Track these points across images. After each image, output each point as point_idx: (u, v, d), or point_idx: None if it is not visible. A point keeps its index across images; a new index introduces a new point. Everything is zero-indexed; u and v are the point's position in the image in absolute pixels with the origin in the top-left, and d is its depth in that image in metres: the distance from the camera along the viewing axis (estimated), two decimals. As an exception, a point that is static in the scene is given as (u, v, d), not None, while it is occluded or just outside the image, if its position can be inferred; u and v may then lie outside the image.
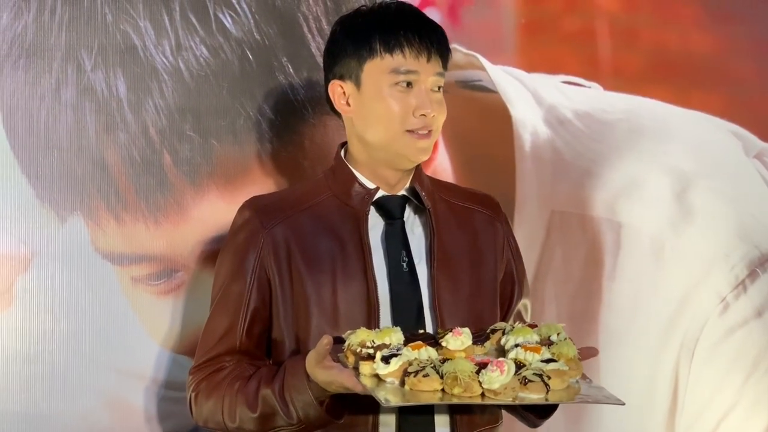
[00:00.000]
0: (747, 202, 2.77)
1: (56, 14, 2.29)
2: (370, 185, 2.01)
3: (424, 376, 1.76)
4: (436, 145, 2.50)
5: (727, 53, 2.81)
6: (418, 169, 2.05)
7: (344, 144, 2.08)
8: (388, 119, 1.96)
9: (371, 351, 1.81)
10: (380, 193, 2.02)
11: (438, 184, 2.11)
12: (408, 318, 1.96)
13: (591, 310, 2.63)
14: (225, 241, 2.07)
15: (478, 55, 2.58)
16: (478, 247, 2.05)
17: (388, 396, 1.75)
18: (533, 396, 1.78)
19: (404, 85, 1.96)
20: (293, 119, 2.42)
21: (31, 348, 2.27)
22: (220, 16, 2.37)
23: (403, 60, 1.96)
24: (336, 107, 2.02)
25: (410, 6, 2.04)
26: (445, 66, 2.01)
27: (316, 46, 2.44)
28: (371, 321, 1.94)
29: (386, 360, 1.79)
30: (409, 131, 1.96)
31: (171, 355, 2.34)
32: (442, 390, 1.77)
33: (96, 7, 2.31)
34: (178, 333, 2.35)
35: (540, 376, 1.79)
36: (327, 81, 2.03)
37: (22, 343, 2.27)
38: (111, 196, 2.31)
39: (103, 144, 2.31)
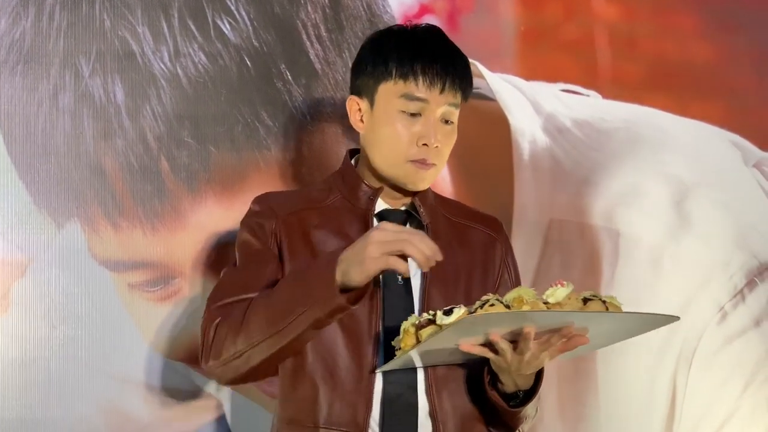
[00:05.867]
0: (746, 212, 2.77)
1: (54, 20, 2.29)
2: (376, 184, 2.03)
3: (490, 305, 1.80)
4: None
5: (726, 62, 2.81)
6: None
7: (353, 151, 2.09)
8: (392, 144, 1.98)
9: (430, 317, 1.84)
10: (383, 206, 2.03)
11: (442, 201, 2.11)
12: (399, 327, 1.94)
13: (589, 318, 2.62)
14: (240, 226, 2.04)
15: (477, 63, 2.58)
16: (475, 265, 2.05)
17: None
18: (596, 310, 1.83)
19: (412, 113, 1.96)
20: (291, 126, 2.42)
21: (28, 354, 2.27)
22: (219, 22, 2.37)
23: (415, 87, 1.96)
24: (351, 122, 2.04)
25: (438, 32, 2.03)
26: (465, 97, 2.01)
27: (315, 53, 2.44)
28: (372, 312, 1.94)
29: (448, 312, 1.82)
30: (411, 162, 1.97)
31: (167, 361, 2.34)
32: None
33: (94, 13, 2.31)
34: (175, 339, 2.35)
35: (596, 297, 1.85)
36: (350, 94, 2.05)
37: (19, 349, 2.27)
38: (108, 203, 2.31)
39: (101, 150, 2.31)
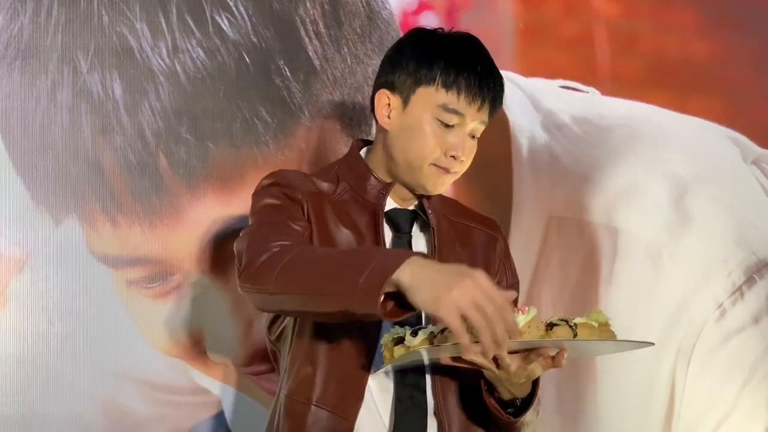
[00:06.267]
0: (745, 209, 2.77)
1: (52, 15, 2.28)
2: (386, 179, 2.02)
3: (449, 332, 1.75)
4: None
5: (725, 60, 2.81)
6: None
7: (361, 141, 2.08)
8: (420, 149, 1.96)
9: (402, 334, 1.83)
10: (392, 205, 2.03)
11: (443, 201, 2.11)
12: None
13: (587, 315, 2.62)
14: (255, 199, 1.98)
15: (476, 60, 2.58)
16: (477, 265, 2.02)
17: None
18: (561, 337, 1.78)
19: (447, 123, 1.95)
20: (290, 122, 2.41)
21: (26, 350, 2.27)
22: (217, 18, 2.36)
23: (455, 100, 1.95)
24: (376, 115, 2.01)
25: (484, 49, 2.02)
26: (492, 117, 2.00)
27: (313, 50, 2.43)
28: None
29: (415, 333, 1.82)
30: (434, 165, 1.96)
31: (166, 358, 2.33)
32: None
33: (92, 8, 2.31)
34: (173, 336, 2.34)
35: (566, 321, 1.80)
36: (378, 85, 2.01)
37: (16, 346, 2.26)
38: (106, 199, 2.31)
39: (99, 146, 2.31)
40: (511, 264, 2.13)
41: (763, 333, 2.72)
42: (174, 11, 2.34)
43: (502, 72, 2.59)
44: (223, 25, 2.37)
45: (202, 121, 2.36)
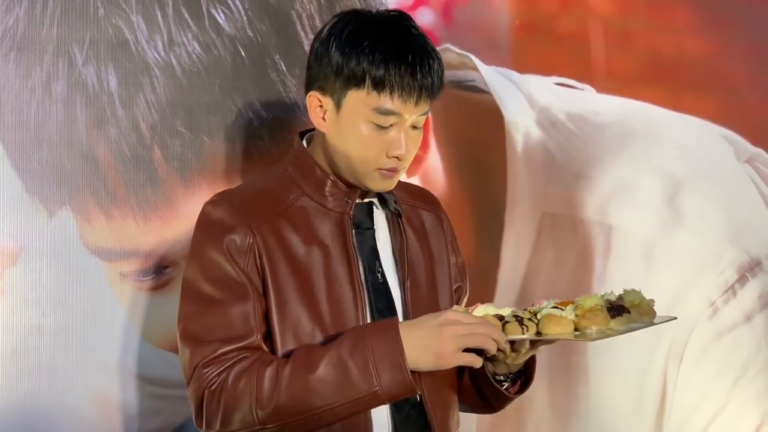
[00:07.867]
0: (738, 207, 2.77)
1: (48, 7, 2.28)
2: (341, 181, 1.93)
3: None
4: (427, 145, 2.51)
5: (720, 58, 2.81)
6: None
7: (304, 133, 2.00)
8: (361, 154, 1.87)
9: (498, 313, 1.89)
10: None
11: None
12: None
13: (580, 312, 2.62)
14: (200, 237, 1.93)
15: (472, 56, 2.58)
16: (431, 249, 2.02)
17: None
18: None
19: (383, 125, 1.86)
20: (285, 117, 2.41)
21: (18, 343, 2.26)
22: (213, 12, 2.36)
23: (389, 101, 1.83)
24: (311, 118, 1.91)
25: (414, 31, 1.88)
26: (433, 101, 1.90)
27: (309, 44, 2.43)
28: (363, 319, 1.91)
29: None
30: (378, 170, 1.88)
31: (159, 351, 2.33)
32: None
33: (88, 1, 2.30)
34: (166, 329, 2.34)
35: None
36: (307, 86, 1.91)
37: (9, 338, 2.26)
38: (100, 191, 2.30)
39: (94, 139, 2.30)
40: (456, 242, 2.10)
41: (755, 331, 2.73)
42: (170, 4, 2.33)
43: (498, 69, 2.62)
44: (219, 19, 2.37)
45: (197, 114, 2.36)
